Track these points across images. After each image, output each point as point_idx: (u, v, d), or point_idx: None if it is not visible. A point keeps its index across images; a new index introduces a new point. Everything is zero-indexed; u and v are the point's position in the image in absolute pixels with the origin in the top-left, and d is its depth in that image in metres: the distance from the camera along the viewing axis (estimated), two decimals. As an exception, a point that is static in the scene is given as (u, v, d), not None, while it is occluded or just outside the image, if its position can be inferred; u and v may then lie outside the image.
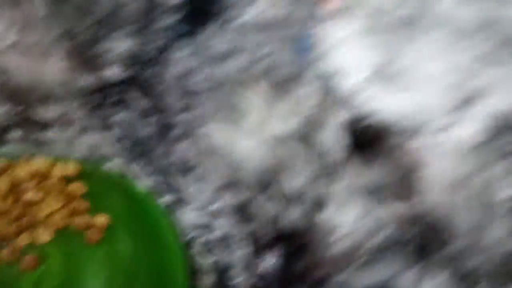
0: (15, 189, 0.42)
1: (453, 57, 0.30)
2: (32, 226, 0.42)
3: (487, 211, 0.30)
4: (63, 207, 0.43)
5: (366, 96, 0.31)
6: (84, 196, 0.43)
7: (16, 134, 0.42)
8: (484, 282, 0.31)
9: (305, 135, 0.35)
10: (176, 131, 0.43)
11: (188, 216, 0.42)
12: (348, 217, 0.34)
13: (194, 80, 0.42)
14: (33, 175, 0.42)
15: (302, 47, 0.37)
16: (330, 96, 0.33)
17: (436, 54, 0.30)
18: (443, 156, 0.30)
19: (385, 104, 0.31)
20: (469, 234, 0.31)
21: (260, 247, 0.38)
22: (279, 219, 0.37)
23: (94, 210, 0.43)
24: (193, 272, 0.42)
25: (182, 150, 0.43)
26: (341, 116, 0.32)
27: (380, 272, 0.33)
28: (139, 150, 0.44)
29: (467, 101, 0.29)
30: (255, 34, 0.39)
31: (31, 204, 0.42)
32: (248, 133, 0.38)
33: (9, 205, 0.42)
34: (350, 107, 0.31)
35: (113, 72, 0.42)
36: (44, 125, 0.43)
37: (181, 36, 0.42)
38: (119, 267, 0.42)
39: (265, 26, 0.39)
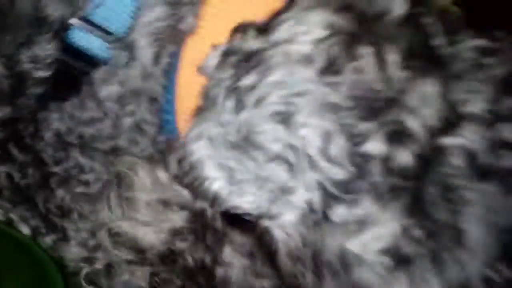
0: None
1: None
2: None
3: None
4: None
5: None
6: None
7: None
8: None
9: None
10: (54, 180, 0.50)
11: (72, 251, 0.50)
12: None
13: (69, 137, 0.48)
14: None
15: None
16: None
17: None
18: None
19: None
20: None
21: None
22: None
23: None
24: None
25: (61, 195, 0.50)
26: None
27: None
28: (18, 198, 0.50)
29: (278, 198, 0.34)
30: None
31: None
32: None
33: None
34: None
35: None
36: None
37: (54, 99, 0.48)
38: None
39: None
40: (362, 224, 0.32)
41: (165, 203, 0.40)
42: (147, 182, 0.41)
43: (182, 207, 0.40)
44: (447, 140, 0.32)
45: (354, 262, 0.33)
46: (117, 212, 0.42)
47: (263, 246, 0.36)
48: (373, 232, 0.32)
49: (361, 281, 0.33)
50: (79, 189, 0.49)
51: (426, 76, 0.33)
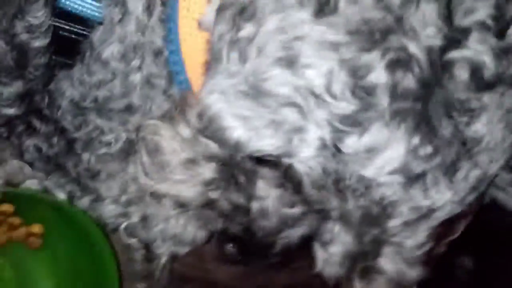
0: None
1: None
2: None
3: None
4: (0, 225, 0.51)
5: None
6: (15, 213, 0.51)
7: None
8: None
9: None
10: (78, 145, 0.51)
11: (107, 209, 0.52)
12: None
13: (84, 102, 0.49)
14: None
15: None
16: None
17: None
18: None
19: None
20: None
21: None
22: None
23: (27, 223, 0.52)
24: (124, 251, 0.53)
25: (86, 158, 0.52)
26: None
27: None
28: (50, 167, 0.52)
29: None
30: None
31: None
32: None
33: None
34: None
35: (11, 110, 0.50)
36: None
37: (60, 67, 0.48)
38: (62, 266, 0.51)
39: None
40: (372, 151, 0.33)
41: (194, 160, 0.42)
42: (174, 144, 0.42)
43: (210, 158, 0.41)
44: (451, 56, 0.32)
45: (372, 184, 0.34)
46: (154, 176, 0.43)
47: (290, 179, 0.38)
48: (383, 156, 0.33)
49: (381, 198, 0.34)
50: (102, 150, 0.50)
51: None
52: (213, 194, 0.42)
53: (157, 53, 0.47)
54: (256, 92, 0.35)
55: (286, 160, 0.35)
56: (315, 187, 0.36)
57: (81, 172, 0.52)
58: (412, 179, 0.34)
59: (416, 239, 0.37)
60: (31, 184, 0.52)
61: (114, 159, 0.50)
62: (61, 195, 0.53)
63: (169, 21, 0.45)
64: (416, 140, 0.33)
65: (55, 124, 0.50)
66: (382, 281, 0.38)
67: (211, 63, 0.39)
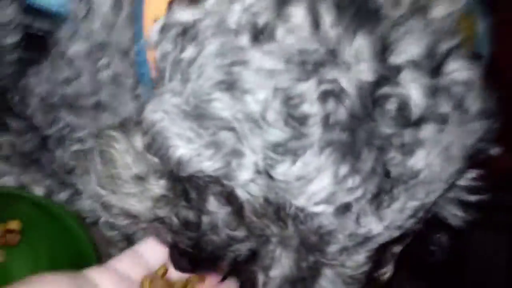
0: None
1: None
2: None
3: None
4: (-23, 226, 0.50)
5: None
6: (-9, 212, 0.51)
7: None
8: None
9: None
10: (51, 142, 0.51)
11: (85, 204, 0.52)
12: None
13: (52, 99, 0.49)
14: None
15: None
16: None
17: None
18: None
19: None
20: None
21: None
22: None
23: (4, 220, 0.51)
24: (105, 244, 0.53)
25: (60, 155, 0.51)
26: None
27: None
28: (26, 162, 0.52)
29: None
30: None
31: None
32: None
33: None
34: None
35: None
36: None
37: (29, 64, 0.48)
38: (42, 262, 0.51)
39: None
40: (303, 180, 0.34)
41: (145, 175, 0.42)
42: (127, 158, 0.43)
43: (161, 174, 0.42)
44: (382, 91, 0.33)
45: (306, 213, 0.35)
46: (106, 187, 0.44)
47: (233, 203, 0.39)
48: (312, 186, 0.34)
49: (319, 226, 0.35)
50: (75, 147, 0.50)
51: (359, 30, 0.32)
52: (162, 211, 0.42)
53: (125, 53, 0.47)
54: (197, 113, 0.35)
55: (227, 183, 0.36)
56: (256, 214, 0.36)
57: (56, 169, 0.52)
58: (341, 209, 0.34)
59: (355, 262, 0.38)
60: (8, 181, 0.52)
61: (87, 155, 0.50)
62: (39, 191, 0.53)
63: (136, 22, 0.44)
64: (343, 170, 0.33)
65: (27, 121, 0.50)
66: None
67: (158, 81, 0.39)
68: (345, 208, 0.34)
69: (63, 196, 0.52)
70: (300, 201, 0.34)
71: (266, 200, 0.35)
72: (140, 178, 0.42)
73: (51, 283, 0.38)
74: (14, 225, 0.52)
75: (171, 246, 0.44)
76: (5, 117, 0.50)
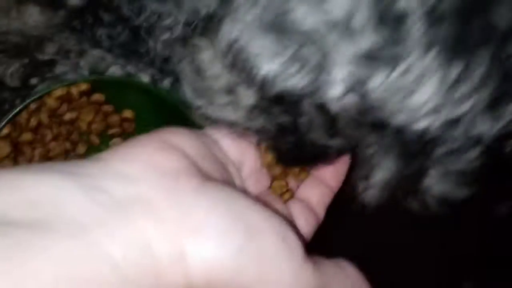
0: (54, 117, 0.53)
1: None
2: (80, 138, 0.54)
3: None
4: (95, 115, 0.53)
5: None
6: (107, 101, 0.54)
7: (34, 80, 0.51)
8: None
9: None
10: (142, 31, 0.49)
11: (188, 90, 0.51)
12: None
13: None
14: (61, 102, 0.52)
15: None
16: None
17: None
18: None
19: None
20: None
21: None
22: None
23: (119, 110, 0.54)
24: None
25: (152, 45, 0.50)
26: None
27: None
28: (127, 53, 0.52)
29: None
30: None
31: (72, 122, 0.54)
32: None
33: (55, 129, 0.53)
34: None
35: (75, 1, 0.49)
36: (51, 63, 0.51)
37: None
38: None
39: None
40: (402, 92, 0.31)
41: (235, 85, 0.40)
42: (214, 69, 0.40)
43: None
44: None
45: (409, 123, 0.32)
46: (201, 99, 0.43)
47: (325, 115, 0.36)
48: (415, 98, 0.31)
49: (421, 134, 0.33)
50: (165, 35, 0.48)
51: None
52: (257, 122, 0.40)
53: None
54: (276, 28, 0.32)
55: (316, 99, 0.33)
56: (351, 126, 0.34)
57: (153, 58, 0.51)
58: (449, 122, 0.32)
59: (465, 160, 0.35)
60: (115, 70, 0.53)
61: (178, 43, 0.48)
62: (145, 78, 0.53)
63: None
64: (453, 75, 0.30)
65: (117, 13, 0.49)
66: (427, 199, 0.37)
67: None
68: (454, 122, 0.32)
69: (166, 83, 0.52)
70: (400, 118, 0.32)
71: (360, 111, 0.33)
72: (230, 90, 0.40)
73: (182, 133, 0.38)
74: (128, 113, 0.54)
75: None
76: (98, 10, 0.49)
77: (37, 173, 0.30)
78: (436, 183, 0.36)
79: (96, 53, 0.52)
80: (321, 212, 0.47)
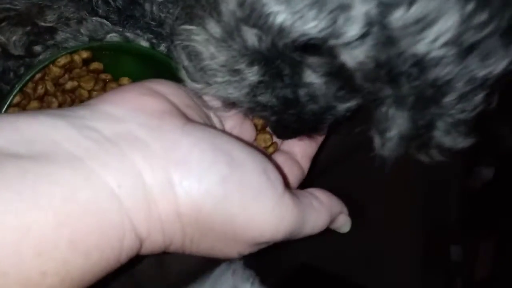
0: (57, 86, 0.55)
1: None
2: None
3: None
4: (95, 84, 0.55)
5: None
6: (104, 70, 0.55)
7: (37, 48, 0.53)
8: None
9: None
10: None
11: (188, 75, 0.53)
12: None
13: None
14: (64, 70, 0.54)
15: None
16: None
17: None
18: None
19: None
20: None
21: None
22: None
23: (116, 77, 0.55)
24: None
25: (149, 8, 0.52)
26: None
27: None
28: (123, 18, 0.54)
29: None
30: None
31: (73, 91, 0.55)
32: None
33: (60, 98, 0.55)
34: None
35: None
36: (52, 31, 0.53)
37: None
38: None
39: None
40: (422, 23, 0.32)
41: (235, 63, 0.42)
42: (210, 48, 0.42)
43: (251, 61, 0.41)
44: None
45: (425, 63, 0.33)
46: (200, 81, 0.44)
47: (340, 74, 0.38)
48: (435, 28, 0.32)
49: (436, 78, 0.34)
50: None
51: None
52: (263, 98, 0.43)
53: None
54: None
55: (333, 42, 0.34)
56: (368, 79, 0.35)
57: (149, 22, 0.53)
58: (467, 50, 0.32)
59: (472, 106, 0.37)
60: (114, 37, 0.55)
61: (174, 4, 0.50)
62: (144, 43, 0.55)
63: None
64: (470, 7, 0.31)
65: None
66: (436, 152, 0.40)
67: None
68: (470, 49, 0.33)
69: (162, 48, 0.54)
70: (421, 47, 0.32)
71: (377, 63, 0.34)
72: (235, 71, 0.42)
73: (166, 83, 0.41)
74: (125, 81, 0.56)
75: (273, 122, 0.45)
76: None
77: (32, 116, 0.32)
78: (442, 135, 0.39)
79: (94, 20, 0.53)
80: (305, 164, 0.50)
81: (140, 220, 0.32)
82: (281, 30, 0.35)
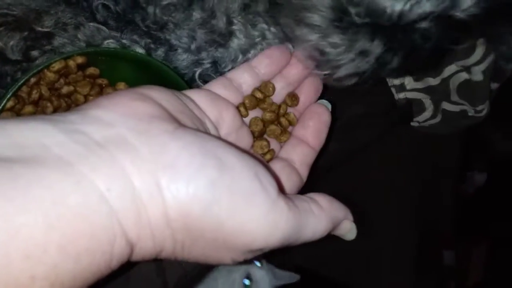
0: (53, 90, 0.55)
1: None
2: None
3: None
4: (91, 89, 0.55)
5: None
6: (101, 75, 0.56)
7: (35, 53, 0.53)
8: None
9: None
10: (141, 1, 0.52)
11: (181, 58, 0.54)
12: None
13: None
14: (59, 75, 0.54)
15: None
16: None
17: None
18: None
19: None
20: None
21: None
22: None
23: (113, 83, 0.56)
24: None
25: (151, 11, 0.52)
26: None
27: None
28: (122, 24, 0.54)
29: None
30: None
31: (69, 95, 0.56)
32: None
33: (55, 102, 0.55)
34: None
35: None
36: (50, 36, 0.53)
37: None
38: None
39: None
40: None
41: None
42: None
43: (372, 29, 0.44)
44: None
45: None
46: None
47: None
48: None
49: None
50: (165, 1, 0.51)
51: None
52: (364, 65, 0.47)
53: None
54: None
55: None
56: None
57: (150, 25, 0.53)
58: None
59: None
60: (110, 43, 0.55)
61: (178, 8, 0.50)
62: (140, 50, 0.55)
63: None
64: None
65: None
66: None
67: None
68: None
69: (160, 53, 0.55)
70: None
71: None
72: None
73: (159, 89, 0.40)
74: (121, 86, 0.56)
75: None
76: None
77: (22, 121, 0.32)
78: None
79: (92, 26, 0.54)
80: (304, 172, 0.49)
81: (129, 225, 0.32)
82: (400, 16, 0.39)
